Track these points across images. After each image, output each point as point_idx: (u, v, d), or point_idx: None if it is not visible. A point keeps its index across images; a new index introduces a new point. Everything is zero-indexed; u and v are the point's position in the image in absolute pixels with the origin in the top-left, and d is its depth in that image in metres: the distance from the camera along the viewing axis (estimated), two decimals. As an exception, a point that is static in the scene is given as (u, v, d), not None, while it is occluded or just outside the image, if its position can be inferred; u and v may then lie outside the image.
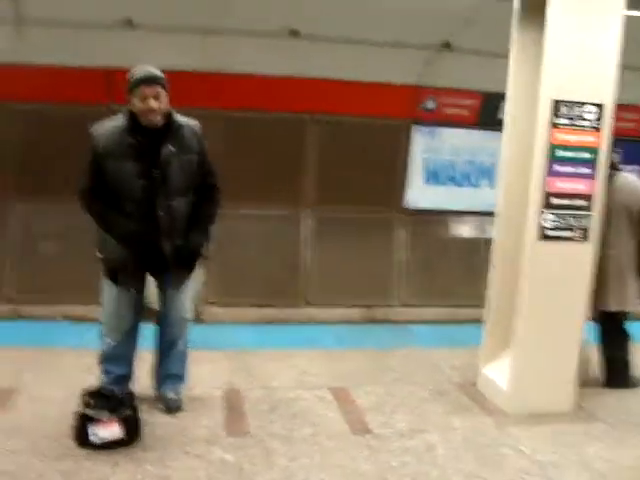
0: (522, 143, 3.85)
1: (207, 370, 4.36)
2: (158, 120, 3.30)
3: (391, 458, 3.31)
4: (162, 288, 3.66)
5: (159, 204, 3.36)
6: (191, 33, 6.19)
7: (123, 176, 3.32)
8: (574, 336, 3.86)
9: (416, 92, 6.72)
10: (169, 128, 3.35)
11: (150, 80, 3.28)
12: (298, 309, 6.93)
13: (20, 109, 6.34)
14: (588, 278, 3.81)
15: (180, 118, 3.44)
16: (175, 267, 3.51)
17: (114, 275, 3.51)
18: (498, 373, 4.02)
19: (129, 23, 6.05)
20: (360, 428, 3.65)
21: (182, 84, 6.03)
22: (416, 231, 7.12)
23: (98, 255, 3.56)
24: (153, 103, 3.25)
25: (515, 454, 3.41)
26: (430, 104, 6.88)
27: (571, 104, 3.64)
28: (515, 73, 3.96)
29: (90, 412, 3.23)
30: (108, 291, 3.55)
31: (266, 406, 3.88)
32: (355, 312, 6.89)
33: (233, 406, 3.87)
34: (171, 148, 3.33)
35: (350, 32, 6.23)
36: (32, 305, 6.31)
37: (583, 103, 3.66)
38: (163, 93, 3.30)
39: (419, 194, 7.06)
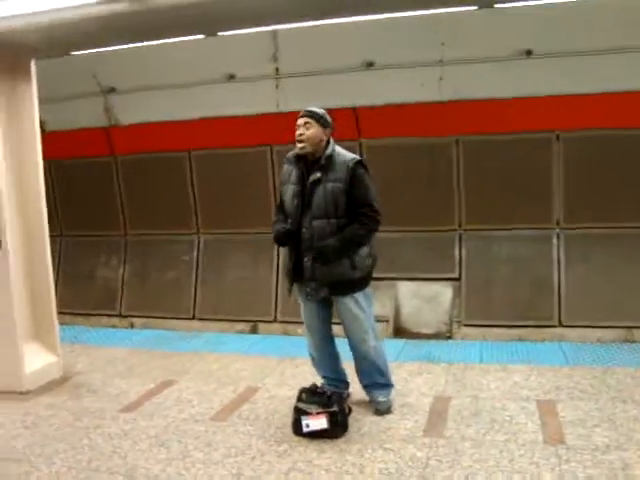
0: None
1: (423, 380, 4.92)
2: (304, 147, 4.05)
3: (578, 469, 3.45)
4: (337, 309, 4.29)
5: (304, 223, 4.08)
6: (427, 66, 6.76)
7: (286, 197, 4.19)
8: None
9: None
10: (321, 158, 4.07)
11: (303, 113, 4.12)
12: (550, 329, 6.94)
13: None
14: None
15: (337, 151, 4.12)
16: (310, 277, 4.10)
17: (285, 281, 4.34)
18: None
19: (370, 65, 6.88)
20: (555, 439, 3.83)
21: (420, 115, 6.85)
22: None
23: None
24: (301, 130, 4.04)
25: None
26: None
27: None
28: None
29: (302, 405, 3.99)
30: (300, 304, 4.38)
31: (468, 413, 4.26)
32: (612, 333, 6.66)
33: (437, 411, 4.33)
34: (318, 175, 4.03)
35: (582, 43, 6.25)
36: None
37: None
38: (313, 124, 4.04)
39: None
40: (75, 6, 4.13)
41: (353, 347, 4.29)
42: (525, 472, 3.45)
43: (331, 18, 5.15)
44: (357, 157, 4.16)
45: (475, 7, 5.35)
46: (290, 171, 4.21)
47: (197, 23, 4.57)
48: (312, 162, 4.11)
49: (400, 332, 7.13)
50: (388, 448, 3.82)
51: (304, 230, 4.09)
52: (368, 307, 4.26)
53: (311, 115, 4.10)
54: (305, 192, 4.09)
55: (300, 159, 4.15)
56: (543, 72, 6.54)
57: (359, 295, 4.18)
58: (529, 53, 6.51)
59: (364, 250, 4.14)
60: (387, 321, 7.14)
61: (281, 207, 4.33)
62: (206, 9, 4.27)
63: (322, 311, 4.30)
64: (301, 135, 4.05)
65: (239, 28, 5.29)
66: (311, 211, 4.07)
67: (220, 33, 5.64)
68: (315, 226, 4.06)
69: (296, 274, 4.20)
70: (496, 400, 4.45)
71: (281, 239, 4.19)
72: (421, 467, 3.57)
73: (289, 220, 4.17)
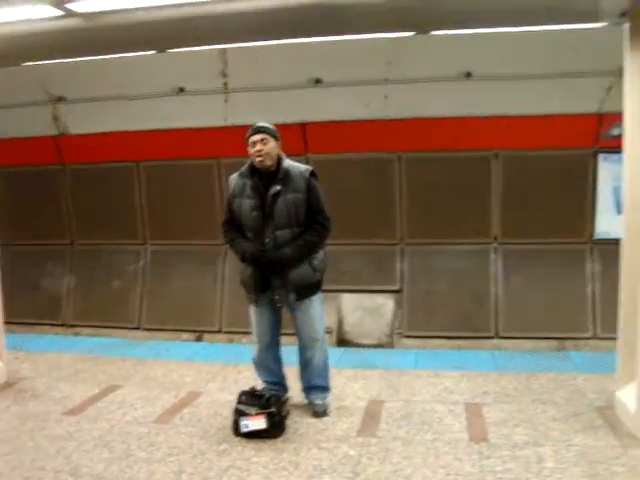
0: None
1: (359, 386, 5.22)
2: (264, 161, 4.30)
3: (497, 464, 3.79)
4: (291, 314, 4.57)
5: (266, 233, 4.33)
6: (372, 84, 7.13)
7: (243, 210, 4.40)
8: None
9: (599, 120, 6.86)
10: (278, 172, 4.33)
11: (257, 130, 4.34)
12: (488, 340, 7.34)
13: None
14: None
15: (290, 163, 4.41)
16: (279, 285, 4.38)
17: (246, 292, 4.57)
18: (630, 396, 4.20)
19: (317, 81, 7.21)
20: (478, 437, 4.17)
21: (366, 132, 7.19)
22: (606, 262, 7.13)
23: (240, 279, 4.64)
24: (259, 147, 4.28)
25: (628, 472, 3.66)
26: (616, 131, 6.94)
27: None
28: (630, 95, 4.23)
29: (242, 407, 4.25)
30: (250, 310, 4.62)
31: (399, 415, 4.58)
32: (545, 343, 7.08)
33: (371, 413, 4.63)
34: (278, 188, 4.30)
35: (522, 67, 6.70)
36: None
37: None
38: (270, 140, 4.31)
39: (610, 224, 7.07)
40: (28, 20, 4.33)
41: (303, 347, 4.59)
42: (449, 467, 3.77)
43: (275, 40, 5.40)
44: (310, 167, 4.48)
45: (413, 33, 5.70)
46: (242, 185, 4.42)
47: (148, 41, 4.81)
48: (267, 175, 4.36)
49: (343, 343, 7.44)
50: (323, 447, 4.09)
51: (267, 241, 4.35)
52: (322, 309, 4.61)
53: (266, 131, 4.35)
54: (265, 204, 4.34)
55: (254, 173, 4.40)
56: (482, 94, 6.99)
57: (316, 297, 4.53)
58: (469, 75, 6.94)
59: (320, 254, 4.48)
60: (331, 332, 7.43)
61: (232, 221, 4.54)
62: (157, 28, 4.54)
63: (275, 317, 4.59)
64: (260, 151, 4.28)
65: (189, 46, 5.52)
66: (273, 222, 4.32)
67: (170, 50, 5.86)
68: (278, 236, 4.33)
69: (263, 284, 4.44)
70: (427, 403, 4.79)
71: (255, 260, 4.38)
72: (353, 464, 3.85)
73: (249, 234, 4.41)
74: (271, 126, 4.42)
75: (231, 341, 7.54)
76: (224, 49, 7.07)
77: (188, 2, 4.47)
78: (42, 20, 4.27)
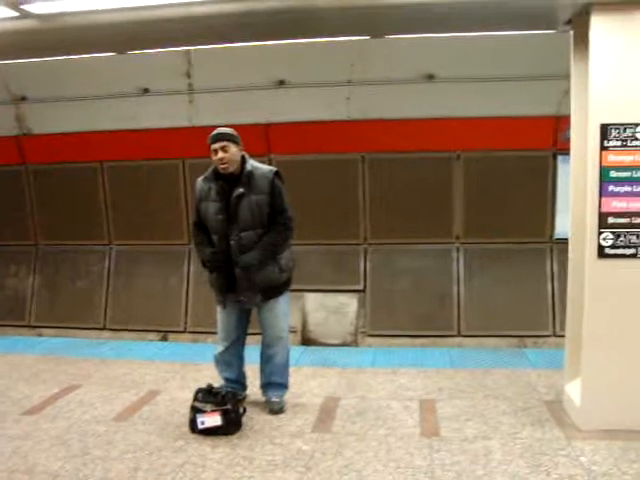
0: (584, 167, 4.24)
1: (317, 383, 5.35)
2: (227, 168, 4.39)
3: (446, 457, 3.93)
4: (257, 311, 4.68)
5: (231, 235, 4.42)
6: (335, 86, 7.26)
7: (209, 214, 4.49)
8: (648, 352, 4.10)
9: (557, 122, 7.04)
10: (242, 174, 4.43)
11: (217, 137, 4.41)
12: (450, 339, 7.51)
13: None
14: (658, 292, 4.06)
15: (254, 165, 4.50)
16: (241, 284, 4.47)
17: (215, 294, 4.65)
18: (575, 390, 4.37)
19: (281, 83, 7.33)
20: (430, 432, 4.30)
21: (329, 133, 7.31)
22: (566, 261, 7.29)
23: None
24: (221, 154, 4.35)
25: (570, 463, 3.80)
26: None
27: (622, 126, 4.01)
28: (575, 100, 4.40)
29: (198, 404, 4.34)
30: (217, 308, 4.71)
31: (354, 411, 4.70)
32: (506, 341, 7.27)
33: (327, 410, 4.75)
34: (241, 190, 4.38)
35: (483, 70, 6.88)
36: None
37: (637, 124, 4.01)
38: (231, 146, 4.38)
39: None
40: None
41: (267, 345, 4.70)
42: (400, 460, 3.90)
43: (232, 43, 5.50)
44: (274, 168, 4.57)
45: (367, 37, 5.84)
46: (208, 189, 4.50)
47: (107, 43, 4.88)
48: (231, 178, 4.44)
49: (308, 342, 7.55)
50: (277, 443, 4.20)
51: (232, 242, 4.43)
52: (287, 308, 4.73)
53: (226, 137, 4.41)
54: (229, 207, 4.42)
55: (218, 176, 4.47)
56: (444, 95, 7.15)
57: (283, 297, 4.64)
58: (431, 77, 7.10)
59: (287, 253, 4.59)
60: (295, 331, 7.55)
61: (199, 225, 4.63)
62: (116, 31, 4.61)
63: (243, 316, 4.70)
64: (222, 159, 4.36)
65: (149, 49, 5.60)
66: (238, 224, 4.41)
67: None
68: (243, 237, 4.42)
69: (229, 286, 4.53)
70: (382, 400, 4.92)
71: (215, 264, 4.49)
72: (306, 459, 3.96)
73: (214, 237, 4.50)
74: (230, 131, 4.48)
75: (196, 341, 7.63)
76: (188, 50, 7.15)
77: (147, 5, 4.53)
78: (-2, 21, 4.32)
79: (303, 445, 4.16)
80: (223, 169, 4.40)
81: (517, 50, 6.61)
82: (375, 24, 4.60)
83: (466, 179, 7.54)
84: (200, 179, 4.61)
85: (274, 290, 4.56)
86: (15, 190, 8.39)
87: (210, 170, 4.54)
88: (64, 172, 8.19)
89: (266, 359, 4.73)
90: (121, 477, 3.77)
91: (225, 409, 4.31)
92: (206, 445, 4.17)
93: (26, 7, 4.19)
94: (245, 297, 4.51)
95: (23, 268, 8.57)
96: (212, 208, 4.46)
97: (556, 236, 7.39)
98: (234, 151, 4.40)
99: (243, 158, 4.49)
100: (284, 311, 4.68)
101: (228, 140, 4.40)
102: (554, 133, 7.15)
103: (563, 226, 7.35)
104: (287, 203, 4.54)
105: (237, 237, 4.41)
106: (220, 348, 4.76)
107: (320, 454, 4.02)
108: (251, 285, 4.46)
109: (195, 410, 4.34)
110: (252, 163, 4.51)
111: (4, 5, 4.12)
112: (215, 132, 4.45)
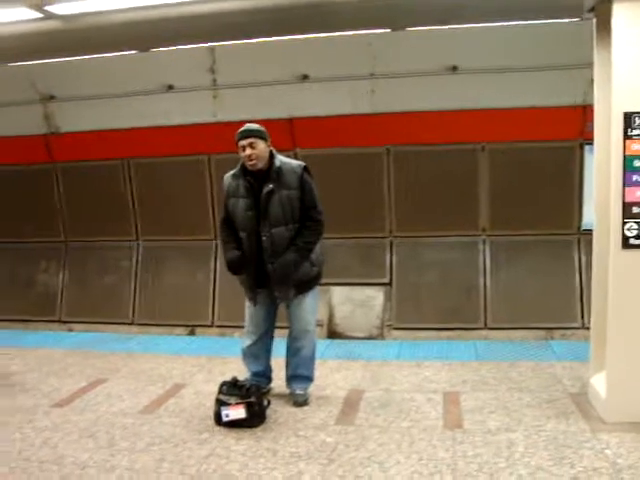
0: (608, 156, 4.20)
1: (341, 376, 5.39)
2: (256, 164, 4.40)
3: (469, 449, 3.93)
4: (282, 303, 4.71)
5: (263, 231, 4.44)
6: (358, 79, 7.27)
7: (237, 210, 4.50)
8: (674, 344, 4.06)
9: (584, 112, 6.96)
10: (270, 170, 4.43)
11: (245, 134, 4.41)
12: (477, 331, 7.48)
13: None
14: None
15: (282, 160, 4.51)
16: (277, 284, 4.53)
17: (245, 291, 4.69)
18: (601, 383, 4.34)
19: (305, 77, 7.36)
20: (454, 424, 4.31)
21: (353, 126, 7.32)
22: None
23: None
24: (248, 151, 4.36)
25: (595, 456, 3.78)
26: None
27: (646, 115, 3.96)
28: (598, 89, 4.36)
29: (222, 397, 4.41)
30: (246, 302, 4.75)
31: (378, 404, 4.73)
32: (533, 334, 7.21)
33: (351, 403, 4.78)
34: (271, 186, 4.40)
35: (508, 60, 6.83)
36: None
37: (660, 113, 3.96)
38: (259, 142, 4.38)
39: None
40: (7, 22, 4.47)
41: (294, 338, 4.74)
42: (422, 452, 3.91)
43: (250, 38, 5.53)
44: (302, 163, 4.58)
45: (388, 30, 5.85)
46: (236, 185, 4.53)
47: (129, 42, 4.96)
48: (260, 174, 4.45)
49: (334, 335, 7.58)
50: (301, 435, 4.24)
51: (264, 239, 4.46)
52: (315, 302, 4.79)
53: (254, 134, 4.41)
54: (260, 203, 4.44)
55: (246, 172, 4.49)
56: (469, 87, 7.11)
57: (313, 290, 4.69)
58: (455, 69, 7.07)
59: (317, 247, 4.62)
60: (321, 325, 7.59)
61: (227, 221, 4.66)
62: (137, 29, 4.69)
63: (272, 309, 4.75)
64: (251, 156, 4.36)
65: (171, 46, 5.66)
66: (269, 220, 4.43)
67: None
68: (274, 233, 4.45)
69: (260, 282, 4.58)
70: (406, 392, 4.94)
71: (236, 268, 4.55)
72: (329, 450, 3.99)
73: (242, 234, 4.52)
74: (258, 127, 4.48)
75: (223, 335, 7.69)
76: (212, 46, 7.21)
77: (167, 3, 4.59)
78: (21, 22, 4.40)
79: (326, 437, 4.19)
80: (252, 166, 4.41)
81: (541, 39, 6.55)
82: (394, 16, 4.61)
83: (491, 171, 7.48)
84: (228, 175, 4.63)
85: (306, 284, 4.61)
86: (44, 188, 8.54)
87: (238, 166, 4.56)
88: (91, 169, 8.30)
89: (293, 352, 4.77)
90: (147, 468, 3.84)
91: (249, 402, 4.36)
92: (230, 437, 4.23)
93: (49, 8, 4.27)
94: (279, 293, 4.56)
95: (53, 264, 8.72)
96: (241, 204, 4.49)
97: (583, 227, 7.29)
98: (262, 147, 4.41)
99: (271, 153, 4.49)
100: (312, 305, 4.72)
101: (256, 136, 4.40)
102: (581, 123, 7.05)
103: (590, 217, 7.31)
104: (317, 198, 4.56)
105: (269, 233, 4.43)
106: (248, 341, 4.81)
107: (343, 446, 4.05)
108: (284, 280, 4.50)
109: (220, 403, 4.41)
110: (280, 158, 4.52)
111: (28, 7, 4.20)
112: (243, 128, 4.45)
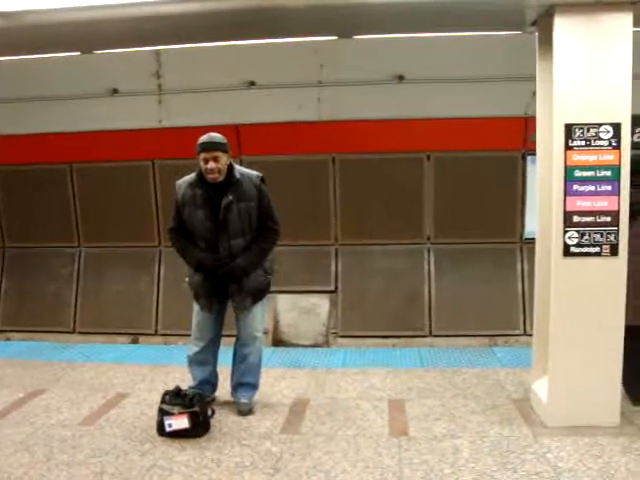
0: (550, 167, 4.27)
1: (286, 384, 5.34)
2: (217, 178, 4.32)
3: (415, 456, 3.94)
4: (235, 311, 4.65)
5: (221, 242, 4.39)
6: (305, 87, 7.26)
7: (195, 220, 4.42)
8: (613, 350, 4.15)
9: (526, 123, 7.09)
10: (229, 181, 4.36)
11: (209, 146, 4.30)
12: (422, 339, 7.52)
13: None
14: (622, 290, 4.10)
15: (241, 171, 4.46)
16: (236, 292, 4.48)
17: (196, 298, 4.61)
18: (542, 388, 4.40)
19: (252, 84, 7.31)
20: (399, 431, 4.31)
21: (299, 134, 7.30)
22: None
23: (186, 282, 4.67)
24: (211, 165, 4.27)
25: (537, 460, 3.84)
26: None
27: (585, 126, 4.05)
28: (541, 101, 4.44)
29: (165, 407, 4.30)
30: (195, 309, 4.68)
31: (324, 412, 4.69)
32: (477, 341, 7.29)
33: (296, 411, 4.73)
34: (230, 198, 4.33)
35: (453, 71, 6.92)
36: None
37: (600, 124, 4.06)
38: (221, 156, 4.30)
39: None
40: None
41: (242, 345, 4.68)
42: (368, 460, 3.90)
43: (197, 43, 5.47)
44: (259, 174, 4.52)
45: (335, 37, 5.86)
46: (192, 194, 4.42)
47: (72, 42, 4.82)
48: (218, 185, 4.36)
49: (279, 343, 7.52)
50: (245, 444, 4.17)
51: (221, 250, 4.41)
52: (264, 308, 4.76)
53: (220, 147, 4.32)
54: (218, 215, 4.37)
55: (204, 182, 4.39)
56: (414, 96, 7.18)
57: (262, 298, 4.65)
58: (401, 78, 7.13)
59: (270, 256, 4.62)
60: (266, 333, 7.52)
61: (181, 228, 4.55)
62: (81, 29, 4.56)
63: (219, 316, 4.70)
64: (213, 169, 4.27)
65: (116, 48, 5.54)
66: (227, 232, 4.38)
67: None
68: (232, 245, 4.40)
69: (216, 291, 4.52)
70: (351, 400, 4.92)
71: (208, 265, 4.44)
72: (274, 460, 3.94)
73: (201, 244, 4.46)
74: (222, 139, 4.37)
75: (167, 343, 7.54)
76: (158, 50, 7.11)
77: (113, 4, 4.47)
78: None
79: (272, 446, 4.14)
80: (212, 179, 4.33)
81: (486, 51, 6.68)
82: (342, 24, 4.61)
83: (436, 179, 7.55)
84: (183, 183, 4.52)
85: (261, 293, 4.59)
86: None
87: (195, 176, 4.45)
88: (34, 174, 8.05)
89: (240, 359, 4.71)
90: (86, 482, 3.72)
91: (193, 411, 4.27)
92: (174, 448, 4.13)
93: (-12, 5, 4.13)
94: (235, 302, 4.52)
95: (-10, 271, 8.43)
96: (200, 215, 4.41)
97: (526, 236, 7.42)
98: (224, 161, 4.34)
99: (230, 165, 4.42)
100: (261, 312, 4.69)
101: (221, 150, 4.32)
102: (523, 134, 7.19)
103: (533, 226, 7.44)
104: (274, 207, 4.54)
105: (227, 244, 4.39)
106: (195, 349, 4.71)
107: (289, 455, 4.00)
108: (241, 289, 4.46)
109: (162, 413, 4.30)
110: (239, 169, 4.47)
111: (-36, 3, 4.05)
112: (206, 140, 4.34)
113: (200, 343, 4.69)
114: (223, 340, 4.85)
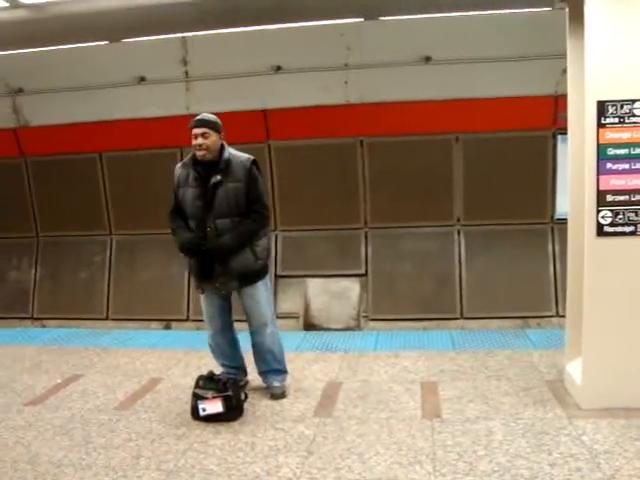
0: (582, 145, 4.20)
1: (318, 368, 5.35)
2: (205, 155, 4.36)
3: (448, 438, 3.92)
4: (240, 300, 4.67)
5: (207, 222, 4.41)
6: (332, 70, 7.22)
7: (186, 199, 4.48)
8: (650, 330, 4.08)
9: (556, 102, 6.98)
10: (219, 162, 4.41)
11: (199, 123, 4.38)
12: (453, 321, 7.49)
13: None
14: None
15: (232, 153, 4.48)
16: (220, 273, 4.47)
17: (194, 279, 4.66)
18: (576, 369, 4.36)
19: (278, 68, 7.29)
20: (432, 414, 4.30)
21: (327, 117, 7.28)
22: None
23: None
24: (200, 140, 4.33)
25: (572, 442, 3.79)
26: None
27: (619, 102, 3.97)
28: (572, 78, 4.36)
29: (199, 391, 4.35)
30: (200, 295, 4.72)
31: (356, 395, 4.70)
32: (509, 323, 7.24)
33: (329, 394, 4.75)
34: (218, 177, 4.37)
35: (481, 51, 6.83)
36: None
37: (634, 100, 3.97)
38: (211, 133, 4.35)
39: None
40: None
41: (253, 333, 4.70)
42: (401, 443, 3.89)
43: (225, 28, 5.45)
44: (251, 157, 4.53)
45: (361, 19, 5.81)
46: (186, 174, 4.50)
47: (99, 31, 4.85)
48: (209, 165, 4.42)
49: (310, 327, 7.54)
50: (279, 428, 4.20)
51: (208, 229, 4.42)
52: (268, 294, 4.71)
53: (208, 125, 4.39)
54: (206, 194, 4.41)
55: (196, 163, 4.46)
56: (442, 77, 7.10)
57: (261, 283, 4.61)
58: (428, 59, 7.06)
59: (263, 242, 4.58)
60: (298, 317, 7.57)
61: (177, 210, 4.61)
62: (107, 18, 4.59)
63: (224, 302, 4.69)
64: (202, 145, 4.34)
65: (143, 36, 5.55)
66: (214, 211, 4.40)
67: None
68: (219, 224, 4.41)
69: (205, 272, 4.53)
70: (384, 383, 4.92)
71: (192, 249, 4.48)
72: (307, 443, 3.96)
73: (192, 223, 4.48)
74: (214, 118, 4.46)
75: (199, 329, 7.59)
76: (184, 37, 7.12)
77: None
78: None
79: (305, 429, 4.16)
80: (201, 156, 4.39)
81: (514, 30, 6.57)
82: (368, 5, 4.55)
83: (465, 161, 7.49)
84: (178, 165, 4.63)
85: (250, 277, 4.55)
86: (15, 182, 8.37)
87: (189, 156, 4.54)
88: (64, 163, 8.16)
89: (255, 346, 4.74)
90: (123, 465, 3.78)
91: (226, 395, 4.31)
92: (208, 432, 4.18)
93: (15, -3, 4.16)
94: (219, 283, 4.50)
95: (24, 260, 8.57)
96: (190, 194, 4.46)
97: (557, 216, 7.34)
98: (214, 139, 4.39)
99: (222, 146, 4.47)
100: (265, 297, 4.67)
101: (209, 127, 4.38)
102: (553, 112, 7.09)
103: (564, 206, 7.35)
104: (263, 192, 4.57)
105: (213, 224, 4.41)
106: (209, 335, 4.79)
107: (322, 438, 4.02)
108: (226, 271, 4.45)
109: (196, 397, 4.35)
110: (230, 151, 4.49)
111: (-8, -5, 4.09)
112: (198, 117, 4.45)
113: (210, 330, 4.77)
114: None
